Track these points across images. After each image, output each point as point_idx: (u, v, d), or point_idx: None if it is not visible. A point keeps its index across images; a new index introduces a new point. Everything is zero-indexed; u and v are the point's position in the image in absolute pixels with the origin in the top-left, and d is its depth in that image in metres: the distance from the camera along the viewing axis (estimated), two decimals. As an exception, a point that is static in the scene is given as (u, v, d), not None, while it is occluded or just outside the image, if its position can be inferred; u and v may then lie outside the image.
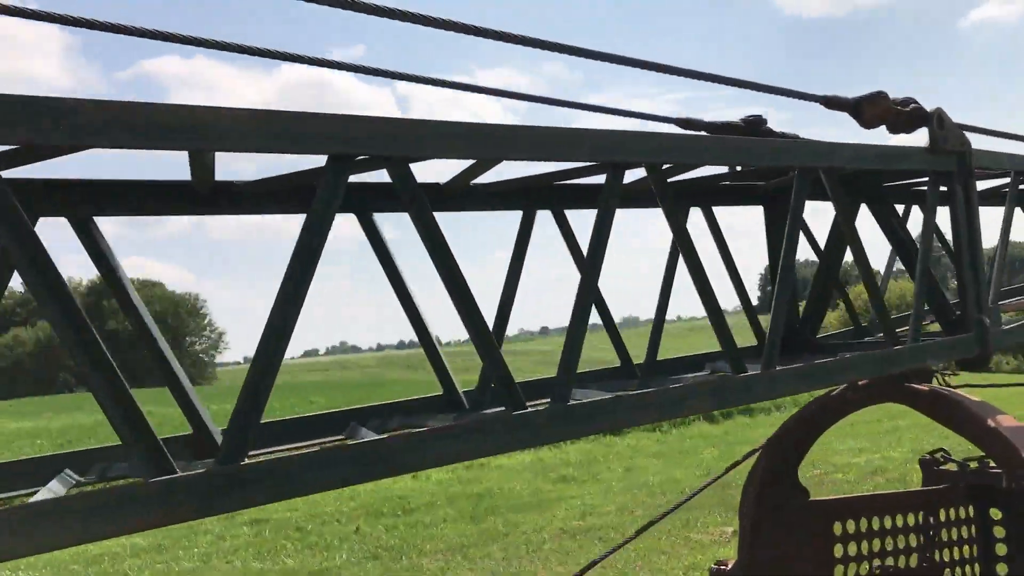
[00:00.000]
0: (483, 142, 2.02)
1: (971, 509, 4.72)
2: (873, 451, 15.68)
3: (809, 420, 4.31)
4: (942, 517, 4.62)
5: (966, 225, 3.47)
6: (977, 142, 3.58)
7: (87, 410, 36.25)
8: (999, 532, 4.64)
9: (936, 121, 3.38)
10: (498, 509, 12.64)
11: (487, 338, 2.08)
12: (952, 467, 4.73)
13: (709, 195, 3.50)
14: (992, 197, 4.38)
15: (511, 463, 17.68)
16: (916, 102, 3.50)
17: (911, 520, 4.60)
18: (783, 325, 2.68)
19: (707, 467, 15.43)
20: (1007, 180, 4.07)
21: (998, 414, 3.72)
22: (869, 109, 3.41)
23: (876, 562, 4.49)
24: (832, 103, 3.42)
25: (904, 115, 3.45)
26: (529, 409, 2.06)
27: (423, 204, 1.97)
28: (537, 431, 2.08)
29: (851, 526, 4.46)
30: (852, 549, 4.44)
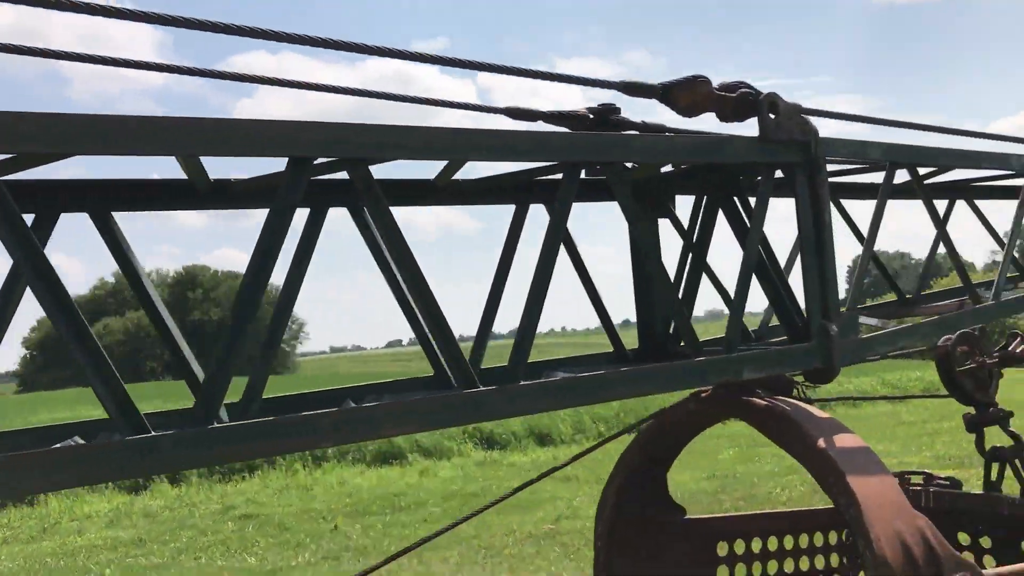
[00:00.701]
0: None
1: None
2: (890, 455, 14.90)
3: (660, 434, 3.88)
4: None
5: (811, 221, 3.08)
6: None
7: (166, 398, 37.48)
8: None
9: (767, 107, 3.03)
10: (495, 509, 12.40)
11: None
12: None
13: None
14: (904, 191, 4.08)
15: (524, 460, 17.46)
16: (747, 87, 3.14)
17: (818, 540, 4.26)
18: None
19: (720, 470, 14.94)
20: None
21: (836, 434, 3.27)
22: (684, 96, 3.09)
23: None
24: (633, 89, 3.09)
25: (730, 102, 3.11)
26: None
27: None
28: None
29: (740, 546, 4.13)
30: (741, 572, 4.12)
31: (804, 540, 4.28)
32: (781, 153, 3.03)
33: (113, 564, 10.32)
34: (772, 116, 3.01)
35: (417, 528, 11.52)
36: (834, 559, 4.30)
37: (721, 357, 2.88)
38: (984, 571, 2.94)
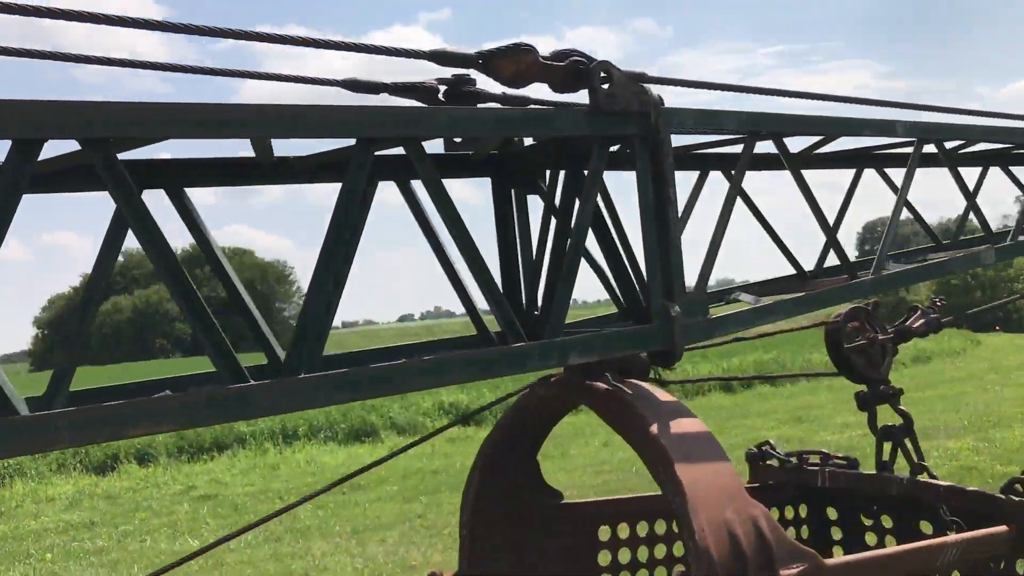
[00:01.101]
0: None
1: (803, 509, 4.28)
2: (853, 428, 14.71)
3: (517, 420, 3.67)
4: (776, 517, 4.08)
5: (652, 196, 2.90)
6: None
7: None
8: (836, 534, 4.21)
9: (598, 77, 2.83)
10: (439, 487, 12.31)
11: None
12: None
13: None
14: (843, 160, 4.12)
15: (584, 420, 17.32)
16: (579, 55, 2.94)
17: None
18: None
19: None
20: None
21: (675, 419, 3.08)
22: (506, 65, 2.88)
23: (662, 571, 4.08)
24: (444, 59, 2.88)
25: (559, 71, 2.90)
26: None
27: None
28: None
29: (624, 531, 4.03)
30: (625, 556, 4.02)
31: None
32: (616, 125, 2.85)
33: (57, 548, 10.26)
34: (605, 86, 2.83)
35: (366, 508, 11.42)
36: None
37: (544, 342, 2.72)
38: (828, 561, 2.82)
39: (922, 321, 4.33)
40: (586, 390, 3.23)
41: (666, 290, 2.96)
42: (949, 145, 4.25)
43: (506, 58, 2.91)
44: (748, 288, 4.18)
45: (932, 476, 3.67)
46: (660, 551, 4.14)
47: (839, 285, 3.87)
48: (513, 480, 3.77)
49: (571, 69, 2.92)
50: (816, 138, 3.91)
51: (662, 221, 2.93)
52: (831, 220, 3.85)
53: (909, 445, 3.92)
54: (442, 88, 2.93)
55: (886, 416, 3.85)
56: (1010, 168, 4.73)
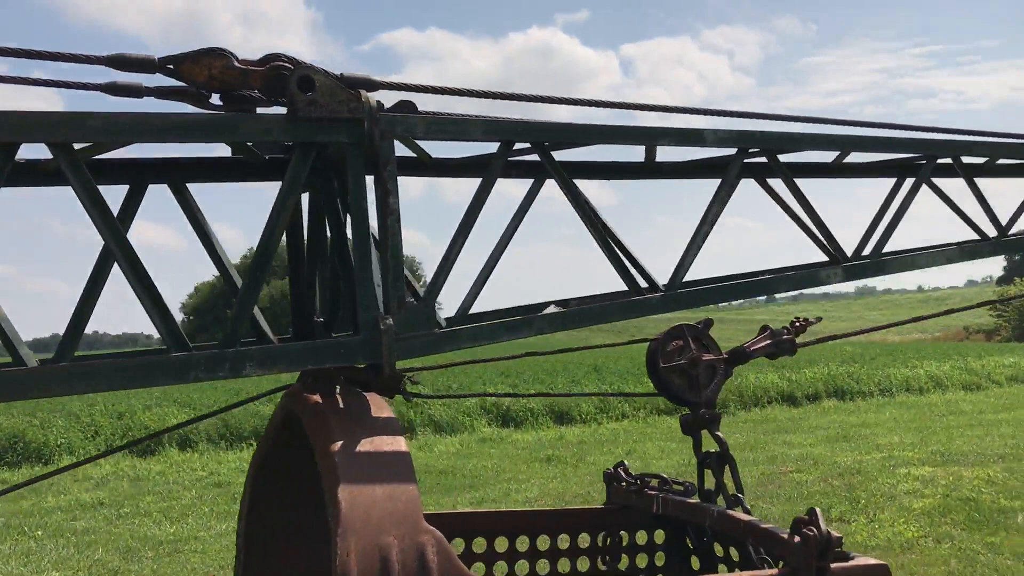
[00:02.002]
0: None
1: (659, 535, 4.13)
2: (884, 450, 13.92)
3: (280, 427, 3.60)
4: (625, 541, 4.07)
5: (356, 204, 2.89)
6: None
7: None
8: (695, 564, 4.04)
9: (297, 83, 2.81)
10: (433, 489, 12.38)
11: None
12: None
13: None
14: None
15: (528, 439, 17.29)
16: (283, 59, 2.98)
17: (564, 543, 4.06)
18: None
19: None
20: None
21: (369, 437, 3.03)
22: (197, 70, 2.94)
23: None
24: (125, 63, 2.92)
25: (258, 76, 2.95)
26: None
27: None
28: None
29: (480, 544, 3.95)
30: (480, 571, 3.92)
31: (564, 541, 4.07)
32: (322, 132, 2.83)
33: (51, 526, 10.86)
34: (307, 93, 2.80)
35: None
36: (583, 563, 4.08)
37: (213, 352, 2.74)
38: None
39: (767, 343, 4.14)
40: (300, 400, 3.23)
41: (379, 301, 2.94)
42: (787, 158, 4.03)
43: (196, 63, 2.92)
44: (564, 303, 4.03)
45: (746, 509, 3.51)
46: (522, 568, 4.03)
47: (618, 302, 3.73)
48: (288, 489, 3.75)
49: (273, 75, 2.92)
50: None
51: (381, 230, 2.91)
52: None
53: (727, 473, 3.79)
54: (214, 93, 2.96)
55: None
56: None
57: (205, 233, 3.17)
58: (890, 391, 22.49)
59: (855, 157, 4.41)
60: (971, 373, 24.79)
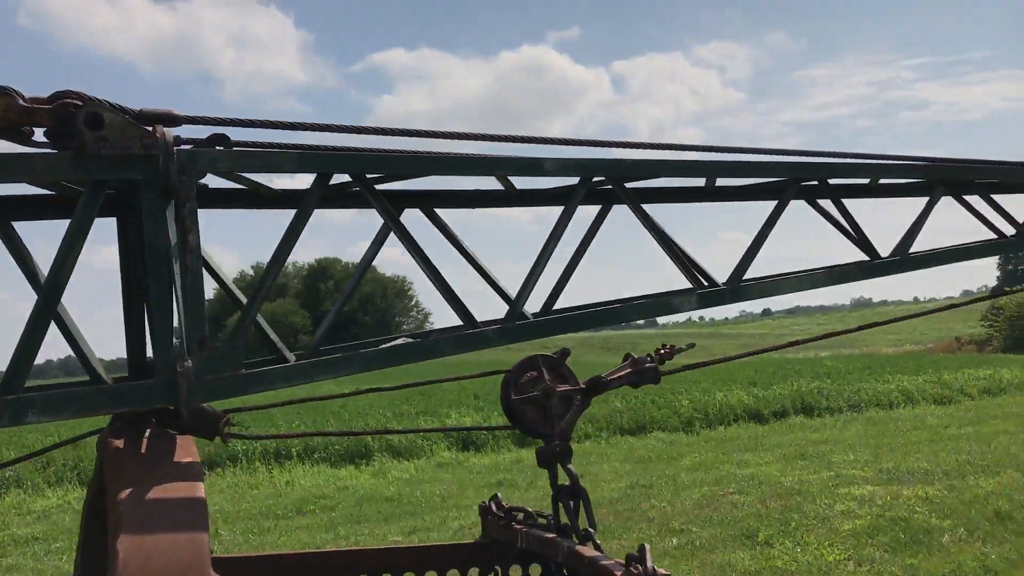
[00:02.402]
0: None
1: (535, 570, 3.99)
2: (835, 468, 13.80)
3: (96, 474, 3.59)
4: None
5: (150, 241, 2.80)
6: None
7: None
8: None
9: (86, 121, 2.73)
10: (372, 518, 12.27)
11: None
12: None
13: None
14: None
15: (485, 462, 17.17)
16: (71, 96, 2.89)
17: None
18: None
19: (686, 482, 14.16)
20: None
21: (161, 483, 2.92)
22: None
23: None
24: None
25: (45, 114, 2.87)
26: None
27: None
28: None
29: None
30: None
31: None
32: (113, 169, 2.76)
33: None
34: (97, 130, 2.73)
35: (288, 536, 11.47)
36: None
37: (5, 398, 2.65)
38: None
39: (628, 372, 4.08)
40: (104, 445, 3.14)
41: (188, 342, 2.87)
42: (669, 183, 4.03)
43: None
44: (414, 334, 3.96)
45: (596, 545, 3.41)
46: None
47: (450, 336, 3.64)
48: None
49: (61, 112, 2.85)
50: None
51: (181, 268, 2.82)
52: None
53: (581, 508, 3.71)
54: (41, 130, 2.89)
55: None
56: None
57: (32, 272, 2.98)
58: (859, 407, 22.37)
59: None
60: (944, 386, 24.65)
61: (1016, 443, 15.89)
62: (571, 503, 3.67)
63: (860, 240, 4.34)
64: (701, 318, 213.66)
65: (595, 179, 3.70)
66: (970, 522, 9.67)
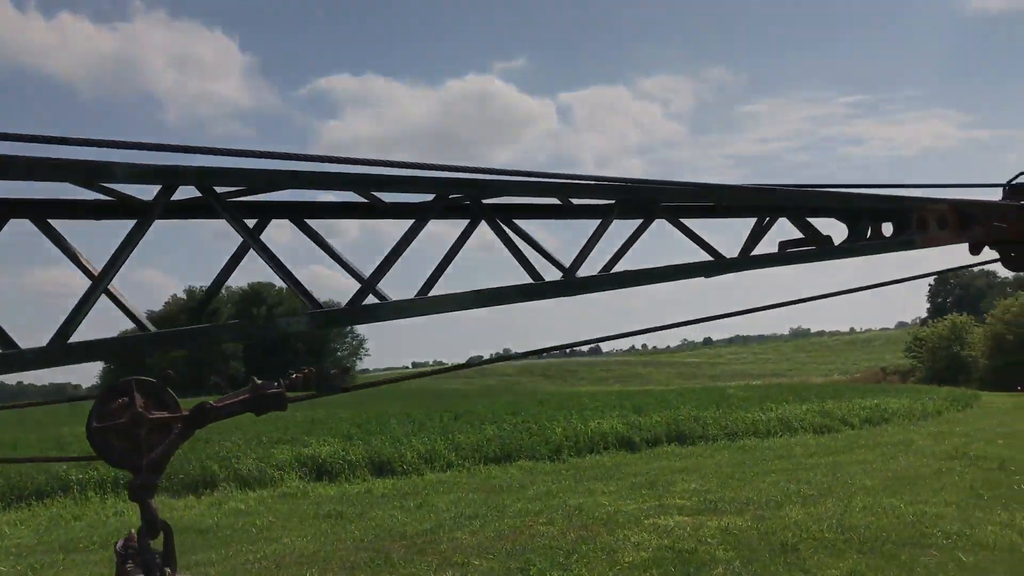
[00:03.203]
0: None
1: None
2: (668, 497, 13.57)
3: None
4: None
5: None
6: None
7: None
8: None
9: None
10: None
11: None
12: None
13: None
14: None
15: (332, 493, 16.68)
16: None
17: None
18: None
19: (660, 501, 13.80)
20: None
21: None
22: None
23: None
24: None
25: None
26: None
27: None
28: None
29: None
30: None
31: None
32: None
33: None
34: None
35: (55, 573, 10.86)
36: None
37: None
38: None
39: (244, 398, 3.77)
40: None
41: None
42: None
43: None
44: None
45: None
46: None
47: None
48: None
49: None
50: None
51: None
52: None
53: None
54: None
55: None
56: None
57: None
58: (736, 435, 22.29)
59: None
60: (825, 416, 24.73)
61: (864, 472, 15.87)
62: (148, 539, 3.45)
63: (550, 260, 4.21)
64: (644, 346, 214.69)
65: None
66: (753, 554, 9.46)
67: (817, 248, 4.81)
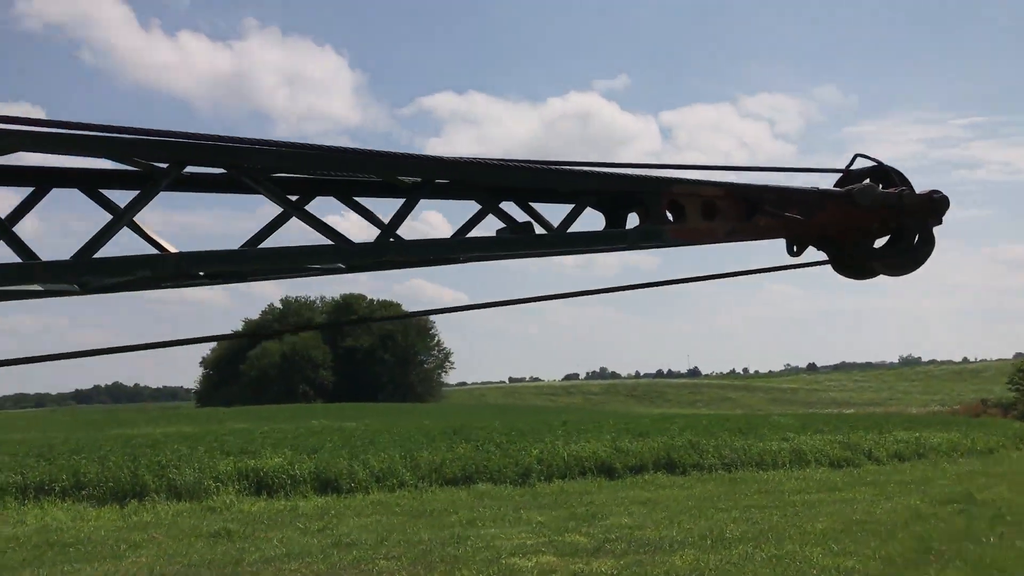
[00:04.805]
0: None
1: None
2: (559, 532, 12.09)
3: None
4: None
5: None
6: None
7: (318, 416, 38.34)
8: None
9: None
10: (13, 566, 10.97)
11: None
12: None
13: None
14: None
15: (256, 510, 15.73)
16: None
17: None
18: None
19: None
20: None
21: None
22: None
23: None
24: None
25: None
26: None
27: None
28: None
29: None
30: None
31: None
32: None
33: None
34: None
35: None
36: None
37: None
38: None
39: None
40: None
41: None
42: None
43: None
44: None
45: None
46: None
47: None
48: None
49: None
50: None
51: None
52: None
53: None
54: None
55: None
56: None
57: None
58: (733, 465, 20.41)
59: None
60: (847, 448, 22.51)
61: (828, 514, 14.01)
62: None
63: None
64: (745, 370, 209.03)
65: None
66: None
67: (522, 236, 3.85)
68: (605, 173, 4.42)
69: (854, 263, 4.97)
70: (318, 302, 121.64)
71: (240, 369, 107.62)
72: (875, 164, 4.92)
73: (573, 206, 3.97)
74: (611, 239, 4.30)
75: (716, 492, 17.11)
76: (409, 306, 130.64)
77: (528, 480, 18.46)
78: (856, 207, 4.80)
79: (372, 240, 3.48)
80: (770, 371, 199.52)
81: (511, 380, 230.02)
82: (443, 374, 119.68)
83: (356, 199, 3.67)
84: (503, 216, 4.07)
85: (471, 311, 3.62)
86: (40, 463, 17.77)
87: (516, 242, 3.85)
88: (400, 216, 3.53)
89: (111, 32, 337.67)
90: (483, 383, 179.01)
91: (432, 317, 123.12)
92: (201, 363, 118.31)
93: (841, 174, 4.94)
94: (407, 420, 35.95)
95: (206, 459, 18.22)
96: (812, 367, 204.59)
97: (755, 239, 4.83)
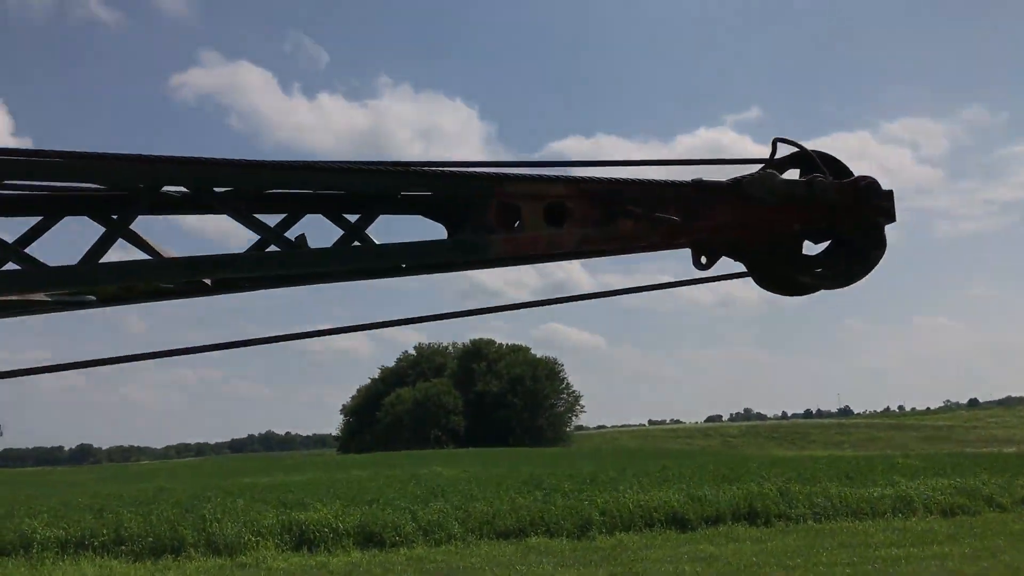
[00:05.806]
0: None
1: None
2: None
3: None
4: None
5: None
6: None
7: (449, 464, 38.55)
8: None
9: None
10: None
11: None
12: None
13: None
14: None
15: (286, 566, 14.99)
16: None
17: None
18: None
19: None
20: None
21: None
22: None
23: None
24: None
25: None
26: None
27: None
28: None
29: None
30: None
31: None
32: None
33: None
34: None
35: None
36: None
37: None
38: None
39: None
40: None
41: None
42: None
43: None
44: None
45: None
46: None
47: None
48: None
49: None
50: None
51: None
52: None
53: None
54: None
55: None
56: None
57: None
58: (827, 515, 18.33)
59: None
60: (963, 494, 19.97)
61: (912, 573, 12.06)
62: None
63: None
64: (900, 407, 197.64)
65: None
66: None
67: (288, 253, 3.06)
68: (415, 172, 3.48)
69: (776, 275, 3.80)
70: (450, 348, 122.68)
71: (376, 416, 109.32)
72: (797, 149, 3.87)
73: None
74: (412, 254, 3.34)
75: (793, 546, 15.24)
76: (539, 351, 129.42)
77: (588, 533, 17.04)
78: (751, 202, 3.69)
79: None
80: (927, 408, 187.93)
81: (651, 423, 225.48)
82: (573, 417, 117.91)
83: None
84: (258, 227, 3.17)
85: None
86: (85, 516, 17.66)
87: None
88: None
89: (255, 97, 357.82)
90: (621, 426, 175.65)
91: (559, 359, 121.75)
92: (341, 410, 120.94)
93: (763, 165, 3.89)
94: (525, 465, 34.86)
95: (252, 512, 17.67)
96: (974, 402, 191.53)
97: (621, 250, 3.74)
